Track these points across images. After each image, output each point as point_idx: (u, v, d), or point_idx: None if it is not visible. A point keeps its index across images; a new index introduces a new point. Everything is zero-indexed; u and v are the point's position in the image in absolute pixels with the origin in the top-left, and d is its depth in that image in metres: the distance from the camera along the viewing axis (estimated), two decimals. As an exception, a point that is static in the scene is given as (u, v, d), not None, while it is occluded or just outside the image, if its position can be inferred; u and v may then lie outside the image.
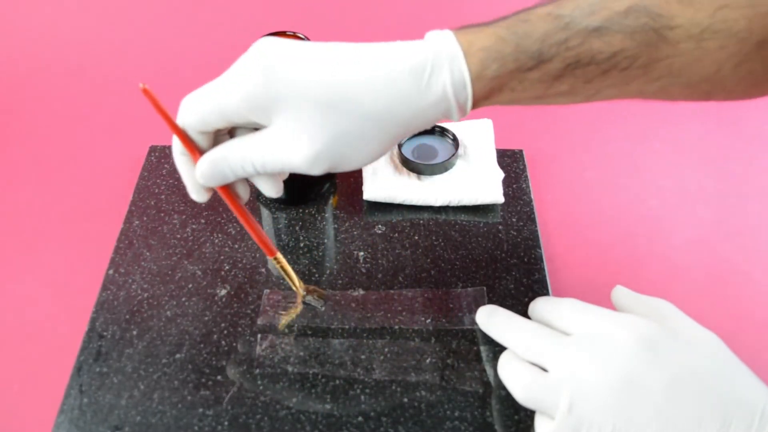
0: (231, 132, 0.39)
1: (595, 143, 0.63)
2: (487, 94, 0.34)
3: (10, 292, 0.51)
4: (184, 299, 0.47)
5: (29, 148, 0.62)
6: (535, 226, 0.52)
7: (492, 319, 0.42)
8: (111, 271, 0.49)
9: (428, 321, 0.46)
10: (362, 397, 0.42)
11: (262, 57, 0.34)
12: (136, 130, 0.64)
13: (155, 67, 0.71)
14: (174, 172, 0.56)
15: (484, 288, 0.48)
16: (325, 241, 0.51)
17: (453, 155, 0.55)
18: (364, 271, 0.49)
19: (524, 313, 0.42)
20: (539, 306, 0.42)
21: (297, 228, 0.52)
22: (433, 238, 0.52)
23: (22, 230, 0.55)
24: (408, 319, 0.46)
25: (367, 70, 0.33)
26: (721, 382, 0.35)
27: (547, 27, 0.33)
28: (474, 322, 0.45)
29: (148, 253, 0.50)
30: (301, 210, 0.53)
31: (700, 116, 0.66)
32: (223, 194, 0.39)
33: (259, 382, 0.43)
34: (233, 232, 0.52)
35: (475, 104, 0.35)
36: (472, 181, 0.54)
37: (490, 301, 0.47)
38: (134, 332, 0.45)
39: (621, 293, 0.41)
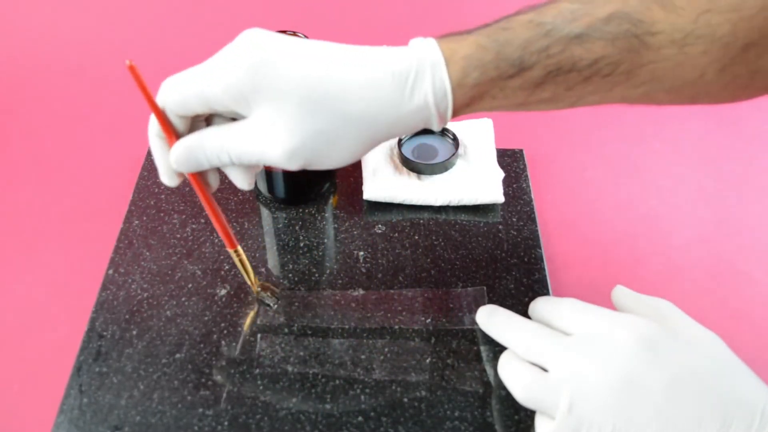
0: (208, 120, 0.38)
1: (595, 143, 0.63)
2: (468, 101, 0.34)
3: (10, 292, 0.51)
4: (183, 299, 0.47)
5: (29, 148, 0.62)
6: (536, 226, 0.52)
7: (492, 319, 0.42)
8: (111, 271, 0.49)
9: (428, 321, 0.46)
10: (362, 397, 0.42)
11: (250, 47, 0.34)
12: (136, 129, 0.63)
13: (155, 67, 0.71)
14: (174, 172, 0.56)
15: (484, 288, 0.48)
16: (325, 240, 0.51)
17: (453, 155, 0.54)
18: (364, 270, 0.49)
19: (524, 313, 0.42)
20: (539, 306, 0.42)
21: (297, 228, 0.52)
22: (433, 237, 0.52)
23: (22, 230, 0.55)
24: (408, 319, 0.46)
25: (352, 71, 0.33)
26: (722, 382, 0.35)
27: (529, 34, 0.33)
28: (474, 322, 0.45)
29: (147, 253, 0.50)
30: (301, 210, 0.53)
31: (700, 116, 0.66)
32: (193, 181, 0.39)
33: (259, 382, 0.43)
34: (233, 232, 0.52)
35: (456, 112, 0.35)
36: (472, 180, 0.54)
37: (490, 301, 0.47)
38: (134, 332, 0.45)
39: (621, 293, 0.41)
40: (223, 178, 0.56)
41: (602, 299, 0.41)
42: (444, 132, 0.57)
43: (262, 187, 0.54)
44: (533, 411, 0.39)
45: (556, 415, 0.36)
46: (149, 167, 0.57)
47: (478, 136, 0.57)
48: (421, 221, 0.53)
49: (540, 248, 0.51)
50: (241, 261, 0.44)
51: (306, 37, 0.49)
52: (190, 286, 0.48)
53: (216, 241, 0.51)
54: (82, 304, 0.47)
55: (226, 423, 0.41)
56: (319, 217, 0.53)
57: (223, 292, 0.48)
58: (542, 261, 0.50)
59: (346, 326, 0.46)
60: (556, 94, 0.35)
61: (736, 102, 0.38)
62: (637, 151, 0.63)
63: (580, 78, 0.34)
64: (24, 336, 0.48)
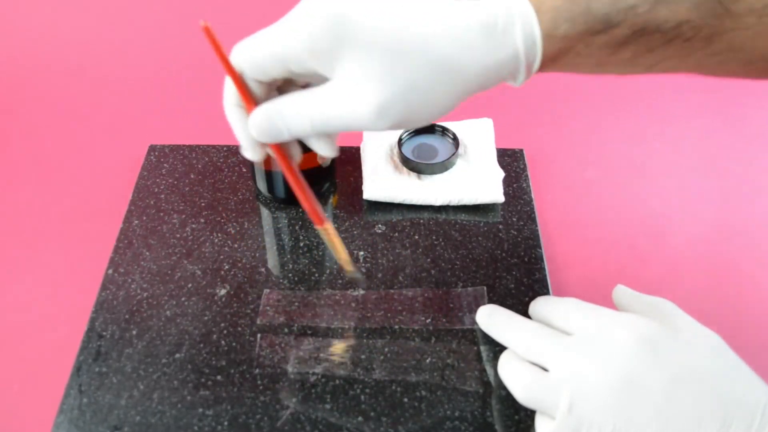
0: (281, 91, 0.37)
1: (595, 142, 0.63)
2: (555, 54, 0.34)
3: (9, 292, 0.51)
4: (183, 299, 0.47)
5: (29, 148, 0.62)
6: (536, 226, 0.52)
7: (492, 319, 0.42)
8: (110, 271, 0.49)
9: (428, 321, 0.46)
10: (362, 397, 0.42)
11: (327, 0, 0.32)
12: (136, 129, 0.64)
13: (155, 66, 0.71)
14: (173, 172, 0.56)
15: (485, 287, 0.48)
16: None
17: (453, 154, 0.54)
18: (364, 270, 0.49)
19: (525, 313, 0.42)
20: (540, 306, 0.42)
21: (297, 227, 0.52)
22: (434, 237, 0.51)
23: (21, 230, 0.55)
24: (408, 318, 0.46)
25: (439, 20, 0.32)
26: (722, 381, 0.35)
27: None
28: (474, 322, 0.45)
29: (147, 253, 0.50)
30: (301, 209, 0.53)
31: (701, 116, 0.66)
32: (276, 152, 0.37)
33: (259, 382, 0.43)
34: (233, 232, 0.52)
35: (543, 66, 0.34)
36: (473, 180, 0.54)
37: (491, 301, 0.47)
38: (134, 332, 0.45)
39: (622, 293, 0.41)
40: (222, 179, 0.56)
41: (602, 299, 0.41)
42: (444, 132, 0.57)
43: (262, 187, 0.54)
44: (533, 411, 0.39)
45: (556, 415, 0.36)
46: (149, 167, 0.57)
47: (478, 136, 0.57)
48: (421, 221, 0.53)
49: (540, 248, 0.51)
50: (330, 239, 0.41)
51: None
52: (189, 285, 0.48)
53: (216, 241, 0.51)
54: (82, 304, 0.47)
55: (225, 423, 0.41)
56: (319, 217, 0.53)
57: (223, 292, 0.48)
58: (542, 261, 0.50)
59: (346, 326, 0.46)
60: (637, 55, 0.34)
61: None
62: (638, 151, 0.62)
63: (663, 40, 0.34)
64: (24, 336, 0.48)
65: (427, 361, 0.44)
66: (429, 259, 0.50)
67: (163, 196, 0.54)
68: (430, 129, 0.57)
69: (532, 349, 0.38)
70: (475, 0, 0.34)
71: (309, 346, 0.44)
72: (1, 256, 0.53)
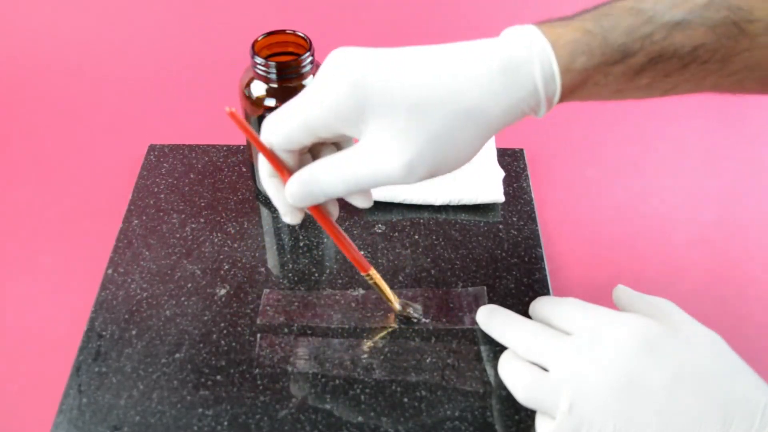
0: (312, 152, 0.38)
1: (596, 142, 0.63)
2: (574, 87, 0.34)
3: (8, 292, 0.51)
4: (183, 299, 0.47)
5: (28, 148, 0.62)
6: (536, 226, 0.52)
7: (492, 319, 0.42)
8: (110, 271, 0.49)
9: (428, 320, 0.46)
10: (362, 397, 0.42)
11: (347, 67, 0.33)
12: (135, 129, 0.64)
13: (155, 66, 0.71)
14: (173, 171, 0.56)
15: (485, 287, 0.48)
16: (325, 240, 0.51)
17: (453, 154, 0.54)
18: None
19: (525, 313, 0.42)
20: (540, 305, 0.42)
21: (297, 227, 0.52)
22: (434, 237, 0.51)
23: (21, 229, 0.55)
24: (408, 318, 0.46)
25: (453, 69, 0.33)
26: (722, 381, 0.35)
27: (631, 21, 0.33)
28: (474, 322, 0.45)
29: (147, 253, 0.50)
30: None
31: (702, 115, 0.66)
32: (314, 213, 0.38)
33: (259, 382, 0.42)
34: (233, 232, 0.52)
35: (562, 98, 0.34)
36: (473, 180, 0.54)
37: (491, 301, 0.47)
38: (133, 332, 0.45)
39: (622, 292, 0.41)
40: (222, 178, 0.56)
41: (603, 299, 0.41)
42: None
43: (262, 187, 0.53)
44: (534, 411, 0.39)
45: (556, 415, 0.36)
46: (148, 167, 0.57)
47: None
48: (421, 221, 0.53)
49: (540, 248, 0.51)
50: (376, 283, 0.43)
51: (307, 37, 0.49)
52: (189, 285, 0.48)
53: (216, 240, 0.51)
54: (82, 304, 0.47)
55: (225, 423, 0.41)
56: (319, 217, 0.53)
57: (223, 291, 0.48)
58: (542, 260, 0.50)
59: (346, 326, 0.45)
60: (654, 80, 0.35)
61: None
62: (638, 151, 0.62)
63: (680, 64, 0.34)
64: (23, 335, 0.48)
65: (427, 361, 0.44)
66: (429, 259, 0.50)
67: (162, 195, 0.54)
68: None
69: (532, 349, 0.38)
70: (486, 40, 0.34)
71: (309, 346, 0.44)
72: (1, 256, 0.53)
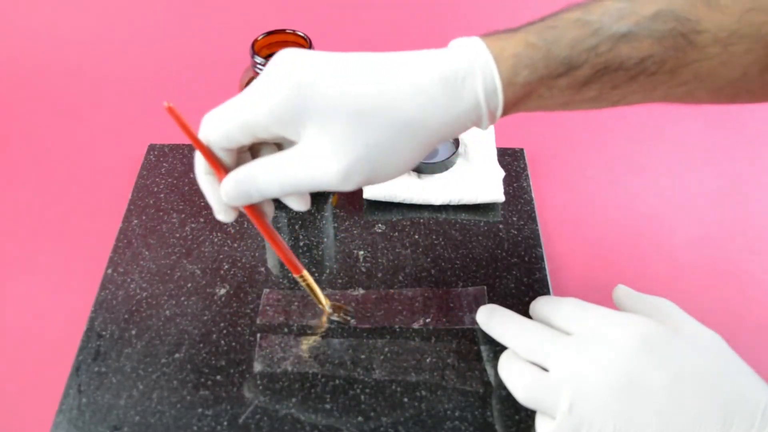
0: (252, 149, 0.38)
1: (596, 142, 0.63)
2: (516, 100, 0.34)
3: (8, 291, 0.50)
4: (183, 299, 0.47)
5: (28, 148, 0.62)
6: (536, 225, 0.52)
7: (492, 319, 0.42)
8: (110, 271, 0.49)
9: (428, 320, 0.46)
10: (362, 397, 0.42)
11: (289, 70, 0.33)
12: (135, 128, 0.63)
13: (155, 66, 0.71)
14: (173, 171, 0.56)
15: (485, 287, 0.48)
16: (325, 240, 0.51)
17: (453, 154, 0.54)
18: (364, 270, 0.49)
19: (525, 313, 0.42)
20: (540, 305, 0.42)
21: (296, 227, 0.52)
22: (434, 237, 0.51)
23: (20, 229, 0.55)
24: (408, 318, 0.46)
25: (396, 79, 0.33)
26: (723, 381, 0.34)
27: (576, 33, 0.33)
28: (474, 322, 0.45)
29: (147, 252, 0.50)
30: (300, 209, 0.53)
31: (703, 115, 0.66)
32: (249, 212, 0.38)
33: (258, 382, 0.42)
34: (232, 231, 0.52)
35: (505, 111, 0.34)
36: (473, 179, 0.54)
37: (491, 301, 0.47)
38: (133, 332, 0.45)
39: (622, 292, 0.41)
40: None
41: (603, 299, 0.41)
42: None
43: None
44: (534, 411, 0.39)
45: (556, 415, 0.35)
46: (148, 166, 0.57)
47: (479, 135, 0.57)
48: (421, 220, 0.53)
49: (540, 247, 0.51)
50: (308, 285, 0.43)
51: (307, 36, 0.49)
52: (189, 285, 0.48)
53: (215, 240, 0.51)
54: (81, 304, 0.47)
55: (225, 423, 0.41)
56: (318, 216, 0.53)
57: (223, 291, 0.48)
58: (543, 260, 0.50)
59: (346, 326, 0.45)
60: (602, 93, 0.34)
61: None
62: (639, 150, 0.62)
63: (626, 77, 0.34)
64: (23, 335, 0.48)
65: (427, 360, 0.44)
66: (429, 259, 0.50)
67: (162, 195, 0.54)
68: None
69: (533, 348, 0.38)
70: (431, 51, 0.34)
71: (309, 346, 0.44)
72: (1, 256, 0.53)
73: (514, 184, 0.55)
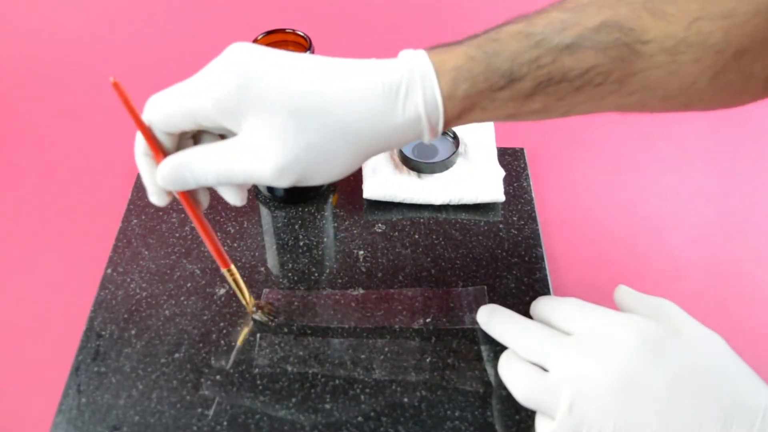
0: (195, 137, 0.38)
1: (596, 141, 0.63)
2: (458, 113, 0.34)
3: (8, 291, 0.50)
4: (182, 298, 0.47)
5: (28, 147, 0.62)
6: (536, 225, 0.52)
7: (493, 319, 0.42)
8: (109, 270, 0.49)
9: (428, 320, 0.46)
10: (362, 397, 0.42)
11: (237, 61, 0.33)
12: (135, 129, 0.63)
13: (155, 66, 0.71)
14: (173, 171, 0.56)
15: (485, 287, 0.48)
16: (325, 239, 0.51)
17: (453, 153, 0.54)
18: (363, 270, 0.49)
19: (525, 313, 0.42)
20: (541, 305, 0.42)
21: (296, 227, 0.52)
22: (434, 236, 0.51)
23: (20, 229, 0.55)
24: (408, 318, 0.46)
25: (342, 84, 0.33)
26: (723, 382, 0.34)
27: (518, 45, 0.33)
28: (474, 322, 0.45)
29: (146, 252, 0.50)
30: (300, 208, 0.53)
31: (703, 114, 0.66)
32: (183, 199, 0.38)
33: (258, 382, 0.42)
34: (232, 231, 0.51)
35: (447, 124, 0.34)
36: (473, 179, 0.53)
37: (491, 301, 0.47)
38: (133, 332, 0.45)
39: (623, 293, 0.41)
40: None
41: (603, 299, 0.41)
42: (444, 131, 0.56)
43: (262, 186, 0.53)
44: (534, 411, 0.39)
45: (556, 416, 0.35)
46: (148, 166, 0.57)
47: (479, 135, 0.57)
48: (422, 220, 0.52)
49: (541, 247, 0.51)
50: (235, 280, 0.43)
51: (306, 36, 0.49)
52: (189, 285, 0.48)
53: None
54: (81, 304, 0.47)
55: (225, 423, 0.40)
56: (318, 216, 0.53)
57: (222, 291, 0.47)
58: (543, 260, 0.50)
59: (346, 326, 0.45)
60: (547, 104, 0.34)
61: (730, 108, 0.38)
62: (639, 150, 0.62)
63: (571, 88, 0.34)
64: (22, 335, 0.48)
65: (427, 360, 0.44)
66: (429, 259, 0.50)
67: (162, 195, 0.54)
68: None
69: (533, 349, 0.38)
70: (378, 60, 0.34)
71: (309, 345, 0.44)
72: (0, 255, 0.53)
73: (515, 184, 0.55)
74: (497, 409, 0.41)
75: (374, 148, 0.34)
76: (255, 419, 0.41)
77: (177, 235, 0.51)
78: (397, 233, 0.52)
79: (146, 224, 0.52)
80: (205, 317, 0.46)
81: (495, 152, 0.56)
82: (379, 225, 0.52)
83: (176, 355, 0.44)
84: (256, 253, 0.50)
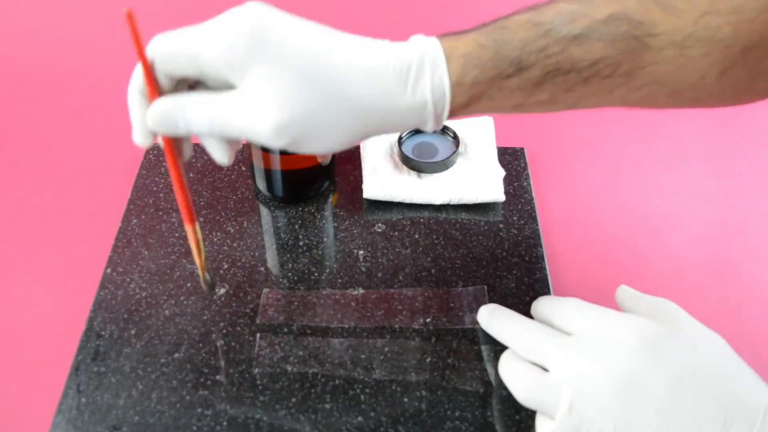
0: (191, 88, 0.37)
1: (596, 141, 0.63)
2: (465, 102, 0.34)
3: (7, 291, 0.50)
4: (182, 298, 0.47)
5: (28, 147, 0.62)
6: (537, 225, 0.52)
7: (493, 319, 0.42)
8: (109, 270, 0.49)
9: (428, 320, 0.46)
10: (362, 397, 0.42)
11: (255, 13, 0.32)
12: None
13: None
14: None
15: (485, 287, 0.48)
16: (325, 239, 0.51)
17: (453, 153, 0.54)
18: (363, 269, 0.49)
19: (525, 313, 0.42)
20: (541, 305, 0.42)
21: (296, 226, 0.52)
22: (434, 236, 0.51)
23: (20, 229, 0.55)
24: (408, 318, 0.46)
25: (354, 55, 0.33)
26: (723, 383, 0.34)
27: (527, 34, 0.33)
28: (475, 322, 0.45)
29: (146, 252, 0.50)
30: (300, 208, 0.53)
31: (703, 114, 0.66)
32: (166, 145, 0.36)
33: (258, 382, 0.42)
34: (232, 231, 0.51)
35: (453, 113, 0.34)
36: (473, 179, 0.53)
37: (491, 300, 0.47)
38: (132, 331, 0.45)
39: (625, 293, 0.41)
40: (221, 177, 0.55)
41: (603, 298, 0.41)
42: (444, 130, 0.56)
43: (261, 186, 0.53)
44: (534, 411, 0.39)
45: (556, 416, 0.35)
46: (148, 166, 0.56)
47: (479, 135, 0.57)
48: (422, 220, 0.52)
49: (541, 247, 0.51)
50: (196, 240, 0.40)
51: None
52: (188, 285, 0.48)
53: (215, 240, 0.51)
54: (81, 303, 0.47)
55: (225, 423, 0.40)
56: (318, 216, 0.53)
57: (222, 291, 0.47)
58: (543, 260, 0.50)
59: (346, 326, 0.45)
60: (555, 95, 0.34)
61: (738, 105, 0.38)
62: (639, 150, 0.62)
63: (579, 79, 0.34)
64: (22, 335, 0.48)
65: (427, 360, 0.43)
66: (429, 259, 0.50)
67: (161, 194, 0.54)
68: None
69: (533, 348, 0.38)
70: (390, 42, 0.34)
71: (309, 345, 0.44)
72: (0, 255, 0.53)
73: (515, 184, 0.55)
74: (497, 409, 0.41)
75: (375, 127, 0.34)
76: (255, 419, 0.41)
77: (177, 234, 0.51)
78: (397, 233, 0.52)
79: (146, 224, 0.52)
80: (204, 317, 0.46)
81: (495, 152, 0.56)
82: (379, 225, 0.52)
83: (176, 355, 0.44)
84: (256, 253, 0.50)
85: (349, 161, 0.57)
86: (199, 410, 0.41)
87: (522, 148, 0.58)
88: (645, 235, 0.55)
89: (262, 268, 0.49)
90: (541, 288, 0.48)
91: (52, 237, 0.54)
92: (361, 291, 0.47)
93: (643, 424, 0.34)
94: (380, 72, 0.32)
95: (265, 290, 0.47)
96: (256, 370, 0.43)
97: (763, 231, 0.55)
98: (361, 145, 0.57)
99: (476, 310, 0.44)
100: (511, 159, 0.57)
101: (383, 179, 0.53)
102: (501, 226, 0.52)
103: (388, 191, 0.53)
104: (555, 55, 0.33)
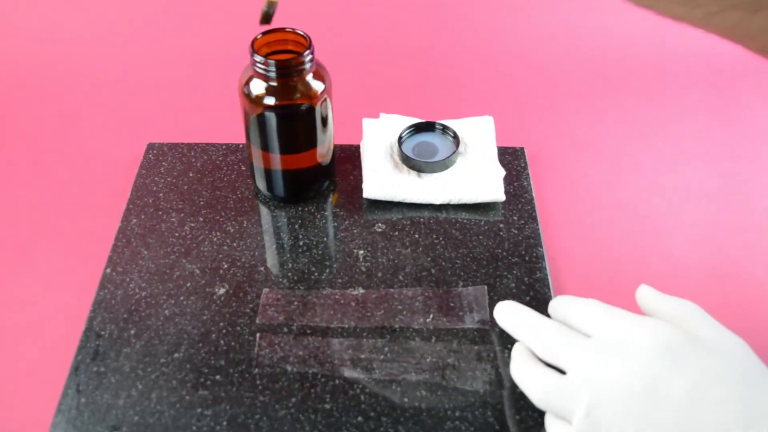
0: None
1: (597, 141, 0.63)
2: None
3: (7, 291, 0.50)
4: (182, 298, 0.47)
5: (27, 146, 0.62)
6: (537, 225, 0.52)
7: (513, 316, 0.40)
8: (109, 270, 0.49)
9: (428, 320, 0.46)
10: (362, 397, 0.42)
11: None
12: (134, 127, 0.63)
13: (154, 66, 0.71)
14: (172, 170, 0.56)
15: (485, 287, 0.48)
16: (325, 239, 0.51)
17: (453, 153, 0.54)
18: (363, 269, 0.49)
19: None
20: (561, 305, 0.40)
21: (296, 226, 0.52)
22: (434, 236, 0.51)
23: (19, 228, 0.55)
24: (408, 318, 0.46)
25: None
26: (744, 388, 0.33)
27: None
28: (474, 321, 0.45)
29: (146, 252, 0.50)
30: (300, 208, 0.53)
31: (703, 113, 0.66)
32: None
33: (258, 382, 0.42)
34: (232, 231, 0.51)
35: None
36: (473, 178, 0.53)
37: (492, 300, 0.47)
38: (132, 331, 0.45)
39: (645, 293, 0.40)
40: (221, 177, 0.55)
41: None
42: (444, 130, 0.56)
43: (261, 186, 0.53)
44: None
45: (573, 420, 0.34)
46: (147, 165, 0.56)
47: (479, 134, 0.57)
48: (422, 220, 0.52)
49: (541, 247, 0.51)
50: None
51: (306, 35, 0.49)
52: (188, 285, 0.48)
53: (215, 239, 0.51)
54: (80, 303, 0.47)
55: (224, 423, 0.40)
56: (318, 216, 0.53)
57: (222, 291, 0.47)
58: (543, 260, 0.50)
59: (346, 326, 0.45)
60: None
61: None
62: (639, 149, 0.62)
63: None
64: (21, 335, 0.48)
65: (428, 360, 0.43)
66: (429, 258, 0.50)
67: (161, 194, 0.54)
68: (430, 127, 0.57)
69: (551, 349, 0.37)
70: None
71: (309, 345, 0.44)
72: (0, 255, 0.53)
73: (515, 183, 0.55)
74: (497, 409, 0.41)
75: None
76: (255, 419, 0.41)
77: (176, 234, 0.51)
78: (397, 233, 0.51)
79: (146, 224, 0.52)
80: (204, 317, 0.46)
81: (495, 152, 0.56)
82: (379, 224, 0.52)
83: (176, 355, 0.44)
84: (256, 253, 0.50)
85: (349, 161, 0.57)
86: (199, 410, 0.41)
87: (522, 148, 0.58)
88: (645, 234, 0.55)
89: (262, 268, 0.49)
90: (542, 288, 0.48)
91: (51, 236, 0.54)
92: (361, 291, 0.47)
93: (663, 430, 0.33)
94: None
95: (265, 290, 0.47)
96: (256, 370, 0.43)
97: (763, 231, 0.55)
98: (361, 145, 0.57)
99: (476, 310, 0.44)
100: (511, 159, 0.57)
101: (383, 179, 0.53)
102: (501, 225, 0.52)
103: (388, 191, 0.53)
104: None
